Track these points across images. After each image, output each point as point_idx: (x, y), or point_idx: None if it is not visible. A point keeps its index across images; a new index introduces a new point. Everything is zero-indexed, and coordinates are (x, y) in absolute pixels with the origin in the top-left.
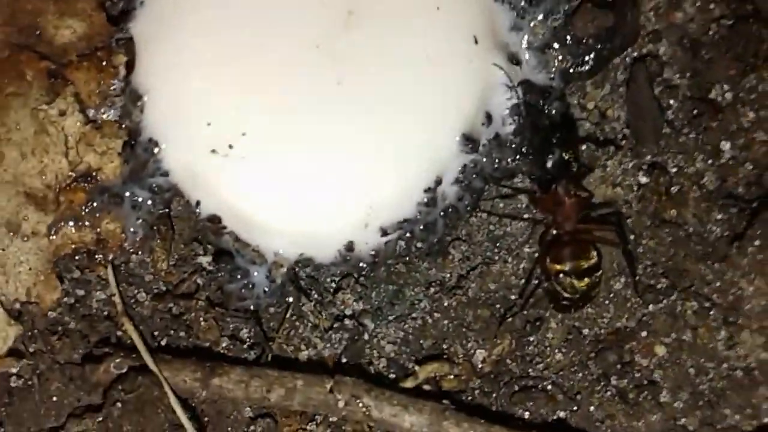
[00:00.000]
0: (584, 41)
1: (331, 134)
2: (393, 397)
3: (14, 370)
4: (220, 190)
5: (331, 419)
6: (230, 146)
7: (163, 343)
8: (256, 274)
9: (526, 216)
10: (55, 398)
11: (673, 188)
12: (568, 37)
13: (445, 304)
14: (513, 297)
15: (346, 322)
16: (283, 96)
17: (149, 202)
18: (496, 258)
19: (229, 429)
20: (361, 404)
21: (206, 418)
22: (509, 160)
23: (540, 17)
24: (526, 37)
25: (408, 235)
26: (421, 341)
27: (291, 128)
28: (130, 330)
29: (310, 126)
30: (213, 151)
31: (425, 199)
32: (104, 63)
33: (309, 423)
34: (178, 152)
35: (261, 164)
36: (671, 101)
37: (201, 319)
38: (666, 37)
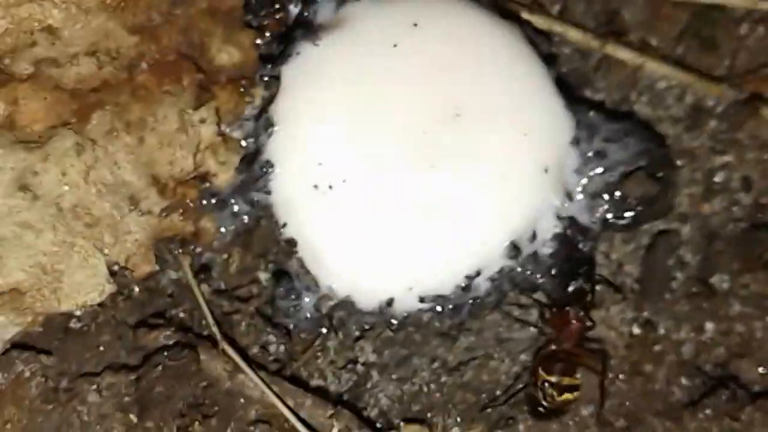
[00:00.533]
0: (629, 201)
1: (410, 207)
2: None
3: (78, 313)
4: (307, 220)
5: None
6: (330, 187)
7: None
8: (307, 300)
9: (536, 325)
10: (101, 348)
11: (656, 347)
12: (618, 193)
13: (442, 380)
14: (498, 393)
15: (358, 367)
16: (384, 162)
17: (245, 215)
18: (496, 356)
19: (232, 424)
20: None
21: (216, 408)
22: (538, 275)
23: (600, 169)
24: (584, 181)
25: (439, 309)
26: (412, 404)
27: (381, 191)
28: (202, 304)
29: (396, 194)
30: (315, 186)
31: (463, 284)
32: (244, 91)
33: None
34: (287, 178)
35: (347, 211)
36: (678, 274)
37: (244, 322)
38: (691, 221)
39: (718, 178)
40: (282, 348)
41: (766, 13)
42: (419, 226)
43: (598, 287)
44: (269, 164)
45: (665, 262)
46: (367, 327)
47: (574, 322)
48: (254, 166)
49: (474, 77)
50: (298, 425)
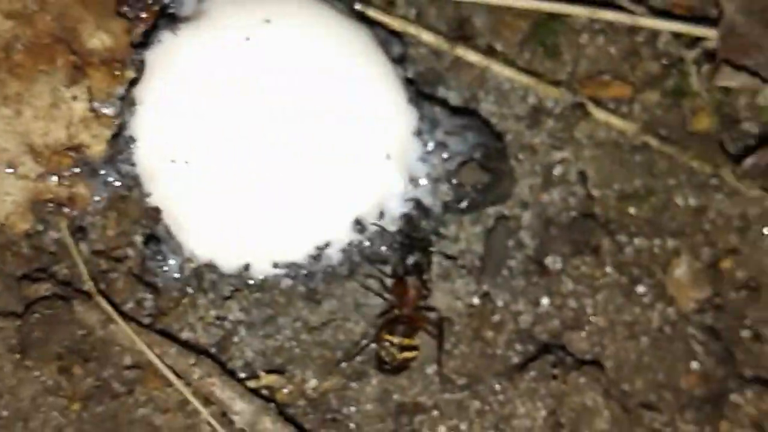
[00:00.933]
0: (463, 188)
1: (263, 183)
2: (235, 386)
3: None
4: (168, 190)
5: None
6: (186, 162)
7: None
8: (172, 262)
9: (383, 295)
10: None
11: (496, 316)
12: (455, 181)
13: (302, 337)
14: (353, 351)
15: (226, 323)
16: (236, 142)
17: (117, 182)
18: (353, 319)
19: (109, 369)
20: (210, 381)
21: (95, 353)
22: (384, 249)
23: (440, 159)
24: (427, 168)
25: (293, 274)
26: (275, 358)
27: (234, 168)
28: (79, 263)
29: (249, 171)
30: (173, 161)
31: (314, 253)
32: (117, 73)
33: (167, 387)
34: (147, 152)
35: (203, 184)
36: (517, 254)
37: (120, 280)
38: (531, 208)
39: (556, 171)
40: (153, 303)
41: (605, 23)
42: (271, 201)
43: (446, 263)
44: (132, 139)
45: (505, 243)
46: (235, 288)
47: (412, 290)
48: (119, 141)
49: (323, 71)
50: (164, 369)
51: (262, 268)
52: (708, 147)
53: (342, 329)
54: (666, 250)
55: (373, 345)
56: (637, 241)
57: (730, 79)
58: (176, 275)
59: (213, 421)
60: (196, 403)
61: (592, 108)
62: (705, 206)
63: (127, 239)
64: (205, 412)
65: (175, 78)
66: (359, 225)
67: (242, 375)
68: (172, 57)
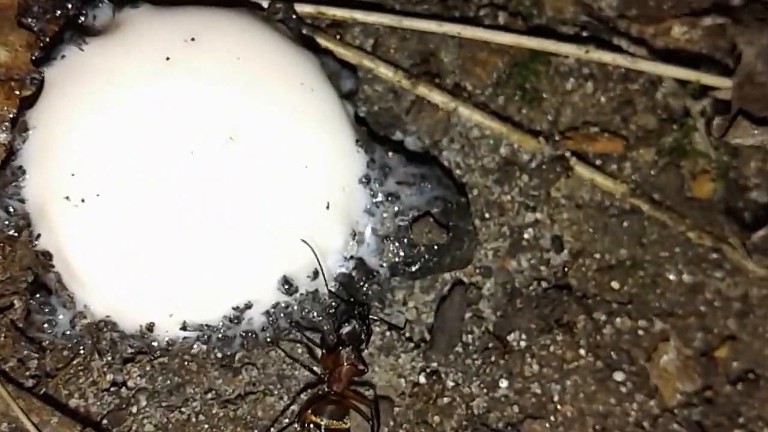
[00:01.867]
0: (416, 248)
1: (171, 229)
2: None
3: None
4: (59, 233)
5: None
6: (82, 200)
7: None
8: (61, 316)
9: (312, 368)
10: None
11: (445, 399)
12: (405, 239)
13: (213, 411)
14: (272, 430)
15: (123, 390)
16: (144, 179)
17: (2, 221)
18: (275, 392)
19: None
20: None
21: None
22: (315, 314)
23: (391, 213)
24: (373, 223)
25: (205, 338)
26: None
27: (139, 209)
28: None
29: (156, 215)
30: (67, 197)
31: (231, 315)
32: (16, 92)
33: None
34: (38, 186)
35: (98, 227)
36: (474, 328)
37: (2, 335)
38: (495, 276)
39: (527, 235)
40: (38, 363)
41: (597, 65)
42: (180, 250)
43: (389, 334)
44: (21, 170)
45: (460, 315)
46: (138, 350)
47: (345, 363)
48: (6, 172)
49: (253, 102)
50: None
51: (168, 329)
52: (709, 216)
53: (261, 404)
54: (652, 334)
55: (296, 426)
56: (618, 320)
57: (746, 135)
58: (67, 332)
59: None
60: None
61: (575, 163)
62: (701, 284)
63: (14, 287)
64: None
65: (76, 100)
66: (287, 285)
67: None
68: (75, 76)
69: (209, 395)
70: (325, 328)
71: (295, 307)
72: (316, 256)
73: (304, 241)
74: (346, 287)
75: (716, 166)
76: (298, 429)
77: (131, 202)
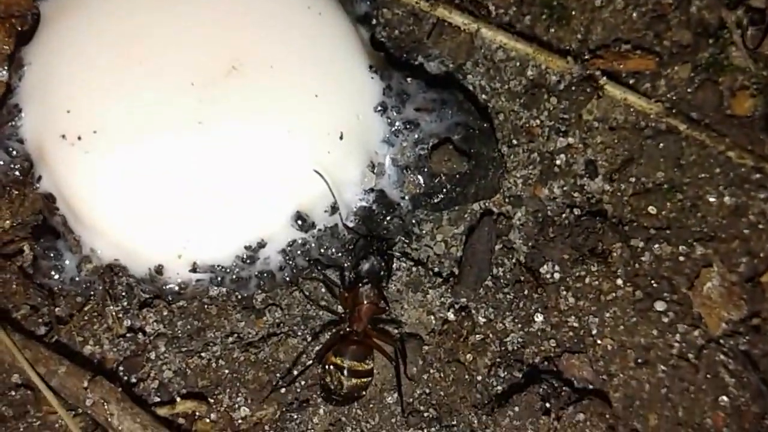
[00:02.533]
0: (437, 177)
1: (172, 162)
2: (138, 414)
3: None
4: (59, 173)
5: (89, 418)
6: (79, 138)
7: None
8: (67, 261)
9: (334, 308)
10: None
11: (477, 336)
12: (426, 169)
13: (234, 355)
14: (295, 373)
15: (139, 336)
16: (143, 113)
17: (6, 163)
18: (299, 334)
19: None
20: (106, 409)
21: None
22: (334, 251)
23: (411, 141)
24: (392, 153)
25: (218, 280)
26: (198, 379)
27: (138, 143)
28: None
29: (156, 148)
30: (63, 136)
31: (244, 255)
32: (18, 29)
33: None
34: (35, 125)
35: (100, 164)
36: (505, 260)
37: (13, 282)
38: (525, 205)
39: (558, 161)
40: (49, 310)
41: None
42: (185, 186)
43: (416, 269)
44: (18, 109)
45: (489, 247)
46: (154, 295)
47: (364, 301)
48: (3, 111)
49: (257, 28)
50: (45, 392)
51: (178, 272)
52: (750, 134)
53: (284, 346)
54: (693, 260)
55: (317, 368)
56: (657, 247)
57: None
58: (75, 277)
59: None
60: None
61: (606, 83)
62: (744, 206)
63: (24, 232)
64: None
65: (71, 34)
66: (301, 220)
67: (155, 399)
68: (70, 9)
69: (230, 339)
70: (345, 265)
71: (313, 245)
72: (328, 184)
73: (316, 171)
74: (366, 221)
75: (756, 81)
76: (320, 371)
77: (130, 139)
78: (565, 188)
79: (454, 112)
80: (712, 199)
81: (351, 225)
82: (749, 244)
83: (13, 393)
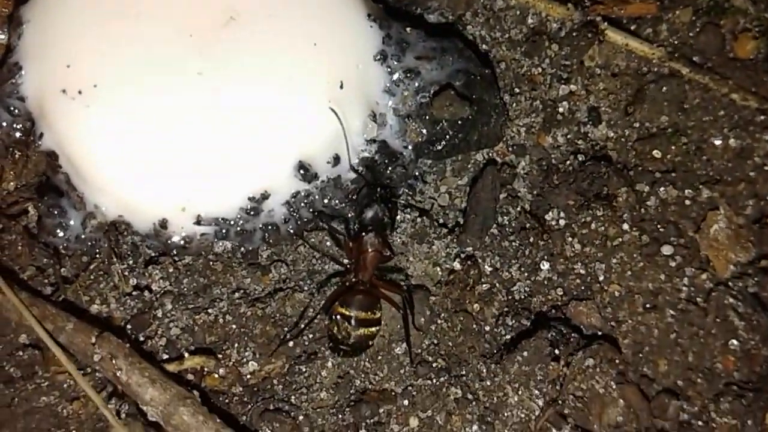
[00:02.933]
0: (439, 124)
1: (173, 114)
2: (146, 369)
3: None
4: (60, 129)
5: (98, 375)
6: (80, 92)
7: None
8: (72, 219)
9: (339, 259)
10: None
11: (483, 285)
12: (427, 116)
13: (241, 311)
14: (302, 326)
15: (146, 294)
16: (142, 65)
17: (8, 123)
18: (305, 288)
19: (1, 349)
20: (114, 364)
21: None
22: (338, 202)
23: (412, 90)
24: (394, 102)
25: (223, 233)
26: (206, 335)
27: (138, 96)
28: None
29: (157, 100)
30: (63, 91)
31: (248, 207)
32: None
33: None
34: (35, 81)
35: (101, 118)
36: (510, 209)
37: (18, 243)
38: (529, 153)
39: (561, 108)
40: (54, 270)
41: None
42: (186, 138)
43: (421, 220)
44: (18, 66)
45: (493, 195)
46: (160, 252)
47: (369, 249)
48: (3, 70)
49: None
50: (53, 348)
51: (182, 225)
52: (753, 76)
53: (291, 300)
54: (699, 203)
55: (325, 320)
56: (662, 190)
57: None
58: (81, 235)
59: (107, 413)
60: (89, 391)
61: (606, 29)
62: (749, 148)
63: (28, 193)
64: (98, 402)
65: None
66: (304, 170)
67: (164, 356)
68: None
69: (237, 295)
70: (349, 216)
71: (317, 196)
72: (339, 119)
73: (332, 109)
74: (369, 172)
75: (758, 23)
76: (327, 323)
77: (130, 92)
78: (568, 136)
79: (454, 59)
80: (716, 142)
81: (354, 166)
82: (755, 186)
83: (21, 353)
